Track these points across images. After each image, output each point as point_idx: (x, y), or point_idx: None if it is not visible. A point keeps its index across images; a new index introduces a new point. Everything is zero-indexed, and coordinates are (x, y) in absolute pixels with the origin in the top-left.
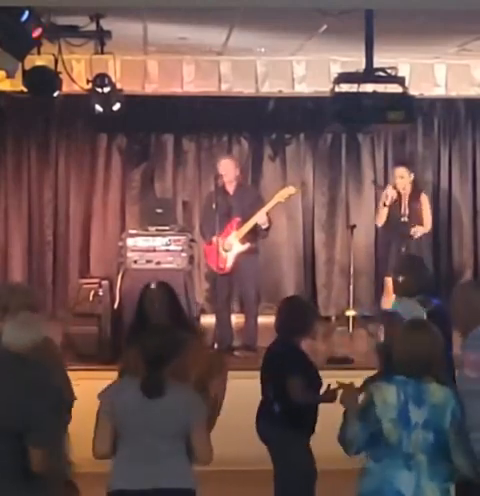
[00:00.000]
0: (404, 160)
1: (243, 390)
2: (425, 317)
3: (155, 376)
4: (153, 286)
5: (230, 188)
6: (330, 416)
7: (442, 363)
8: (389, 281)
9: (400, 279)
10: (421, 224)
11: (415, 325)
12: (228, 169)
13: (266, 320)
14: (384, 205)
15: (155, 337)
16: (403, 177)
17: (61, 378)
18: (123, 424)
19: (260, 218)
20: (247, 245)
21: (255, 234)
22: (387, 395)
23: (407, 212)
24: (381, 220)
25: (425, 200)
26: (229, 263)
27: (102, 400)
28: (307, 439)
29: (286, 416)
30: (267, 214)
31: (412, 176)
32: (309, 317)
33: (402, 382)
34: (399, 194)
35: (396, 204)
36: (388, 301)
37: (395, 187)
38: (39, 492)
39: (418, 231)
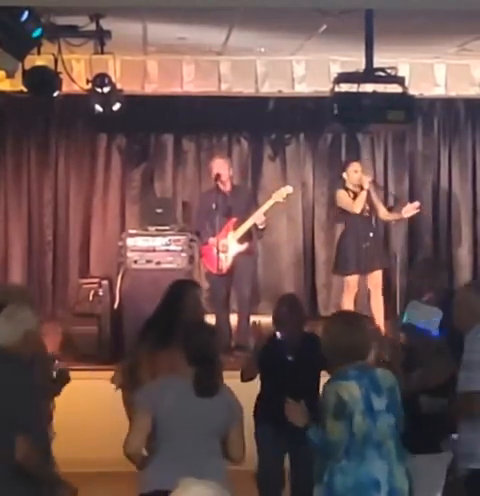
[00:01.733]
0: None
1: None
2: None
3: (209, 375)
4: (190, 284)
5: (225, 188)
6: None
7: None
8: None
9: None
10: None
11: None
12: (223, 168)
13: (266, 320)
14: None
15: (206, 335)
16: (357, 171)
17: (41, 369)
18: (167, 423)
19: (258, 218)
20: (245, 245)
21: (252, 234)
22: (351, 390)
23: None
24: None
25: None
26: (227, 264)
27: (141, 398)
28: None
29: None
30: (264, 214)
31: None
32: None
33: (358, 376)
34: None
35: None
36: (349, 298)
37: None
38: (28, 486)
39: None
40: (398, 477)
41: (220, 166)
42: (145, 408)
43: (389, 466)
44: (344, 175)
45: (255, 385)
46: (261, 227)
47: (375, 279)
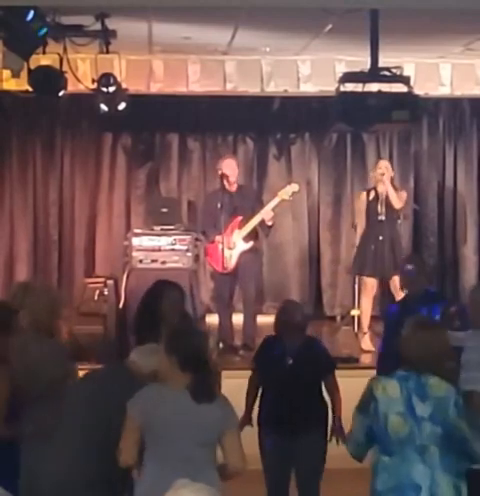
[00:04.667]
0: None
1: (241, 389)
2: None
3: (206, 380)
4: (168, 286)
5: (232, 187)
6: None
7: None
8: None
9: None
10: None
11: (423, 324)
12: (230, 168)
13: (271, 319)
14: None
15: (198, 338)
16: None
17: None
18: (161, 431)
19: (266, 214)
20: (250, 244)
21: (257, 233)
22: (389, 389)
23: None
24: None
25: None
26: (232, 262)
27: (134, 408)
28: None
29: None
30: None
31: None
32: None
33: (403, 377)
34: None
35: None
36: (367, 301)
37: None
38: None
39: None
40: (443, 486)
41: (229, 166)
42: (136, 420)
43: (431, 473)
44: (371, 174)
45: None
46: (269, 224)
47: (396, 283)
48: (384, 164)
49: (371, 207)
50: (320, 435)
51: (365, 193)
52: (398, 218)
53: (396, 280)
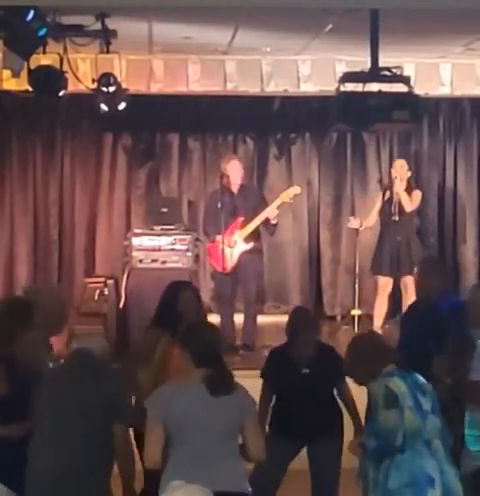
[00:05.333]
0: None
1: None
2: None
3: (222, 373)
4: (183, 287)
5: (234, 188)
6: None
7: None
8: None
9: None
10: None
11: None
12: (236, 170)
13: (272, 319)
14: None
15: (210, 334)
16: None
17: None
18: (182, 429)
19: (271, 212)
20: (251, 244)
21: (259, 234)
22: (398, 384)
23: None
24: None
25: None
26: (232, 262)
27: (153, 407)
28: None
29: None
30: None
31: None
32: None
33: (401, 374)
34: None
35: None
36: (381, 301)
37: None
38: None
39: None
40: (451, 478)
41: (234, 168)
42: (157, 419)
43: (439, 465)
44: (393, 173)
45: (255, 385)
46: (274, 222)
47: (408, 282)
48: (399, 164)
49: (385, 207)
50: (336, 443)
51: (381, 193)
52: (413, 218)
53: (408, 280)
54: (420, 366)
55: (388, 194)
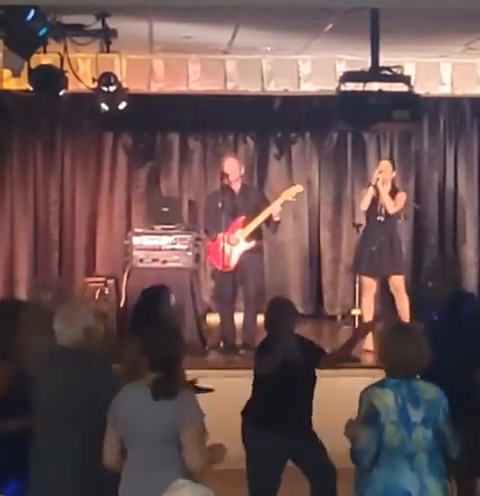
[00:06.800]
0: None
1: (242, 389)
2: None
3: (167, 378)
4: (164, 288)
5: (235, 187)
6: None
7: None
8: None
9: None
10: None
11: (401, 330)
12: (233, 168)
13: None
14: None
15: (168, 339)
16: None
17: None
18: (128, 430)
19: (275, 209)
20: (252, 243)
21: (261, 233)
22: (386, 399)
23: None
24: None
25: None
26: (233, 261)
27: (109, 410)
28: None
29: None
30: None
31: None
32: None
33: (395, 385)
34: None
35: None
36: (367, 301)
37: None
38: None
39: None
40: (433, 492)
41: (230, 165)
42: (110, 421)
43: (420, 479)
44: (376, 174)
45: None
46: (277, 219)
47: (395, 282)
48: (384, 165)
49: (372, 207)
50: (316, 438)
51: (369, 192)
52: (398, 218)
53: (395, 280)
54: (449, 375)
55: (375, 194)
